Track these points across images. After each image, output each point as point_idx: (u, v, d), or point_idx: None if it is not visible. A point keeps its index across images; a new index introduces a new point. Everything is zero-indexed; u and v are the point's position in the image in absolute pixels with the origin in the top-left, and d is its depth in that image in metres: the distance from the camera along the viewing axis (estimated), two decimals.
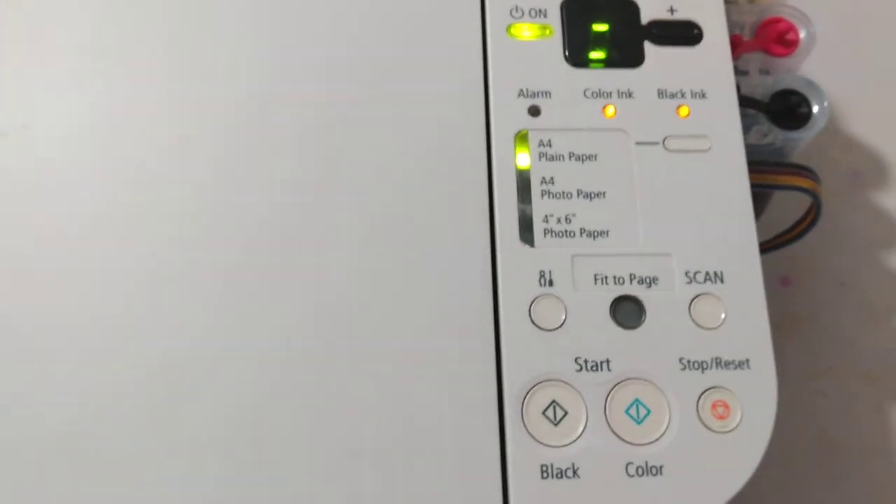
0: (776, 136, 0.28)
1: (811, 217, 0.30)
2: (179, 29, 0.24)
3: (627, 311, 0.22)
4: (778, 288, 0.38)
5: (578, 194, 0.23)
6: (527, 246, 0.22)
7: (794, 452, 0.36)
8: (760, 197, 0.33)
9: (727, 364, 0.21)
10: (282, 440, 0.21)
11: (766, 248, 0.33)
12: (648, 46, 0.24)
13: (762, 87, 0.29)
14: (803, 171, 0.29)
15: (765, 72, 0.30)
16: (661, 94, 0.24)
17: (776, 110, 0.29)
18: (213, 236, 0.22)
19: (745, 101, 0.28)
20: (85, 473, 0.20)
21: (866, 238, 0.39)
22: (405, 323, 0.22)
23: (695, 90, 0.24)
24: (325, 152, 0.23)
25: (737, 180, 0.23)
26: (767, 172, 0.29)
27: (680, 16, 0.25)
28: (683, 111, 0.24)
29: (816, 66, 0.42)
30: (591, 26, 0.24)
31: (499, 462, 0.21)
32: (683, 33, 0.24)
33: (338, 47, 0.24)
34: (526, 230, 0.22)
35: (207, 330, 0.21)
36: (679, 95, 0.24)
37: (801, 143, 0.29)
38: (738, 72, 0.29)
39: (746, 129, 0.29)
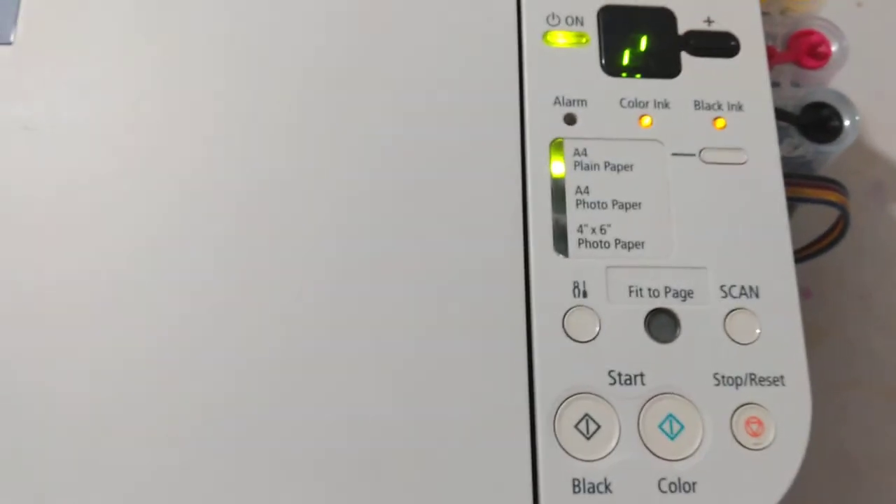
0: (807, 148, 0.28)
1: (839, 230, 0.30)
2: (172, 21, 0.24)
3: (662, 324, 0.22)
4: (799, 300, 0.38)
5: (613, 204, 0.23)
6: (561, 256, 0.22)
7: (811, 466, 0.36)
8: (791, 212, 0.33)
9: (762, 380, 0.21)
10: (307, 449, 0.20)
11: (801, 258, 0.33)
12: (685, 57, 0.24)
13: (793, 100, 0.29)
14: (832, 184, 0.29)
15: (796, 84, 0.29)
16: (698, 105, 0.23)
17: (807, 123, 0.29)
18: (238, 235, 0.22)
19: (777, 114, 0.28)
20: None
21: (888, 251, 0.39)
22: (437, 332, 0.21)
23: (731, 102, 0.24)
24: (360, 160, 0.23)
25: (773, 194, 0.23)
26: (797, 185, 0.29)
27: (717, 27, 0.24)
28: (720, 123, 0.23)
29: (839, 77, 0.42)
30: (627, 35, 0.24)
31: (530, 475, 0.20)
32: (720, 44, 0.24)
33: (372, 55, 0.23)
34: (560, 240, 0.22)
35: (234, 333, 0.21)
36: (716, 107, 0.24)
37: (831, 157, 0.29)
38: (771, 84, 0.29)
39: (778, 141, 0.29)
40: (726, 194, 0.23)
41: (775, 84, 0.29)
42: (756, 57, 0.24)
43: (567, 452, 0.20)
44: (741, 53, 0.24)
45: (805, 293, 0.38)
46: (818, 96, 0.29)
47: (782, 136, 0.29)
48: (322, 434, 0.20)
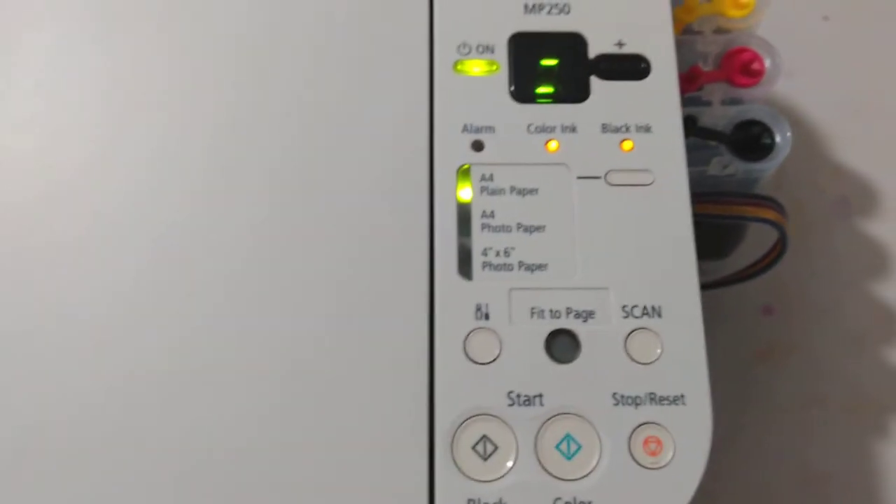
0: (737, 167, 0.28)
1: (777, 250, 0.30)
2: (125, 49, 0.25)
3: (562, 344, 0.22)
4: (760, 317, 0.38)
5: (518, 228, 0.23)
6: (464, 279, 0.22)
7: (776, 484, 0.36)
8: (737, 228, 0.33)
9: (661, 399, 0.21)
10: (210, 474, 0.21)
11: (731, 280, 0.33)
12: (595, 81, 0.24)
13: (724, 118, 0.29)
14: (767, 202, 0.29)
15: (729, 102, 0.29)
16: (605, 128, 0.24)
17: (738, 141, 0.29)
18: (158, 273, 0.23)
19: (704, 132, 0.28)
20: None
21: (853, 266, 0.39)
22: (341, 354, 0.22)
23: (639, 124, 0.24)
24: (267, 186, 0.23)
25: (679, 214, 0.23)
26: (733, 203, 0.29)
27: (629, 49, 0.25)
28: (627, 145, 0.24)
29: (802, 93, 0.42)
30: (536, 62, 0.24)
31: (427, 497, 0.21)
32: (630, 67, 0.24)
33: (282, 79, 0.24)
34: (464, 263, 0.23)
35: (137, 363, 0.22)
36: (623, 129, 0.24)
37: (763, 175, 0.29)
38: (702, 102, 0.29)
39: (706, 160, 0.29)
40: (631, 215, 0.23)
41: (707, 103, 0.29)
42: (667, 78, 0.24)
43: (463, 473, 0.21)
44: (651, 75, 0.24)
45: (767, 310, 0.38)
46: (749, 114, 0.29)
47: (712, 154, 0.29)
48: (213, 450, 0.21)
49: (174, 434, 0.21)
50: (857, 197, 0.40)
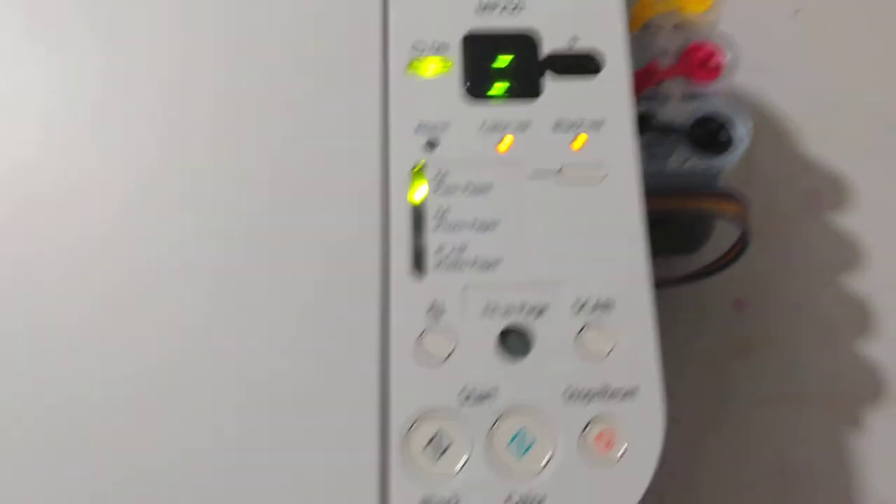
0: (695, 162, 0.28)
1: (739, 245, 0.30)
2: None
3: (515, 341, 0.22)
4: (731, 312, 0.38)
5: (472, 225, 0.23)
6: (418, 278, 0.22)
7: (750, 480, 0.36)
8: (703, 224, 0.33)
9: (614, 394, 0.21)
10: (161, 466, 0.21)
11: (696, 276, 0.33)
12: (548, 78, 0.25)
13: (685, 113, 0.29)
14: (728, 196, 0.29)
15: (689, 98, 0.30)
16: (558, 125, 0.24)
17: (697, 136, 0.29)
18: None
19: (661, 128, 0.28)
20: None
21: (825, 259, 0.39)
22: (291, 354, 0.22)
23: (592, 120, 0.24)
24: (214, 182, 0.23)
25: (630, 209, 0.23)
26: (692, 198, 0.29)
27: (582, 45, 0.25)
28: (579, 141, 0.24)
29: (773, 87, 0.42)
30: (490, 60, 0.25)
31: (378, 495, 0.21)
32: (583, 64, 0.25)
33: (232, 81, 0.24)
34: (418, 262, 0.23)
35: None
36: (575, 126, 0.24)
37: (724, 169, 0.29)
38: (661, 98, 0.29)
39: (665, 155, 0.29)
40: (583, 210, 0.23)
41: (665, 98, 0.29)
42: (619, 74, 0.24)
43: (417, 472, 0.21)
44: (604, 71, 0.25)
45: (738, 305, 0.38)
46: (708, 109, 0.29)
47: (672, 150, 0.29)
48: (165, 451, 0.21)
49: (115, 440, 0.21)
50: (828, 190, 0.40)
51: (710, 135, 0.29)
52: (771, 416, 0.36)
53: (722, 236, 0.33)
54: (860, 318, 0.38)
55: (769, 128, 0.42)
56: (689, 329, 0.37)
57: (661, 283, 0.35)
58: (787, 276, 0.39)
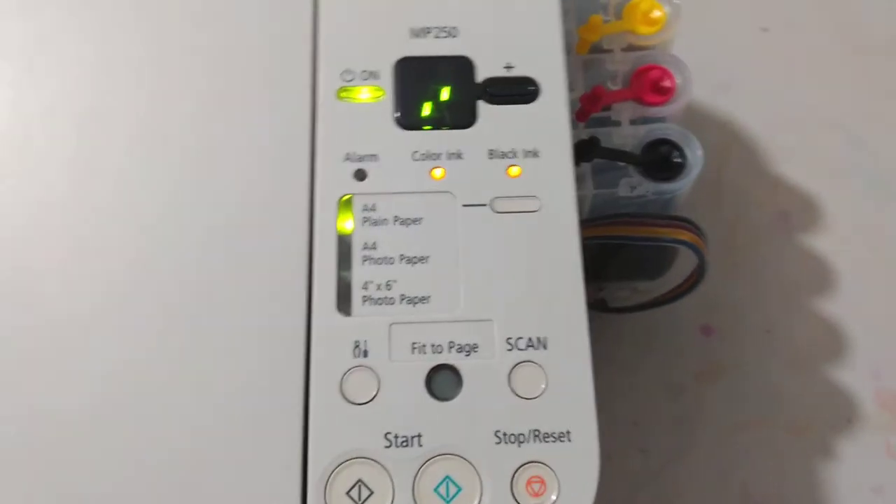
0: (647, 188, 0.28)
1: (695, 274, 0.29)
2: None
3: (443, 381, 0.21)
4: (699, 337, 0.37)
5: (401, 259, 0.22)
6: (343, 315, 0.22)
7: None
8: (664, 249, 0.32)
9: (546, 437, 0.21)
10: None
11: (655, 304, 0.32)
12: (483, 105, 0.24)
13: (633, 138, 0.28)
14: (682, 223, 0.28)
15: (640, 122, 0.29)
16: (492, 154, 0.23)
17: (648, 161, 0.28)
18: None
19: (609, 153, 0.27)
20: None
21: (794, 282, 0.38)
22: (212, 392, 0.21)
23: (527, 149, 0.23)
24: (140, 206, 0.23)
25: (566, 242, 0.22)
26: (646, 225, 0.28)
27: (518, 72, 0.24)
28: (514, 171, 0.23)
29: (740, 106, 0.41)
30: (423, 87, 0.24)
31: None
32: (518, 91, 0.24)
33: (159, 98, 0.23)
34: (343, 298, 0.22)
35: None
36: (510, 155, 0.23)
37: (675, 195, 0.28)
38: (610, 122, 0.29)
39: (614, 182, 0.28)
40: (517, 244, 0.22)
41: (616, 123, 0.29)
42: (556, 101, 0.24)
43: None
44: (540, 98, 0.24)
45: (706, 330, 0.38)
46: (659, 133, 0.28)
47: (620, 175, 0.28)
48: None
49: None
50: (797, 211, 0.39)
51: (661, 160, 0.28)
52: (738, 443, 0.35)
53: (688, 260, 0.32)
54: (831, 342, 0.37)
55: (737, 146, 0.41)
56: (654, 355, 0.36)
57: (620, 311, 0.34)
58: (756, 299, 0.38)
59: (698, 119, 0.40)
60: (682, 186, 0.27)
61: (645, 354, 0.36)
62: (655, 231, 0.28)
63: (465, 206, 0.23)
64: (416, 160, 0.23)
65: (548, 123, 0.23)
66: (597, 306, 0.34)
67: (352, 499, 0.20)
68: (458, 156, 0.23)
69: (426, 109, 0.24)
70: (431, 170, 0.23)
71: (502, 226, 0.22)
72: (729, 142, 0.41)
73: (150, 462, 0.21)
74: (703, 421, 0.36)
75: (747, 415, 0.36)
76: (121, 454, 0.21)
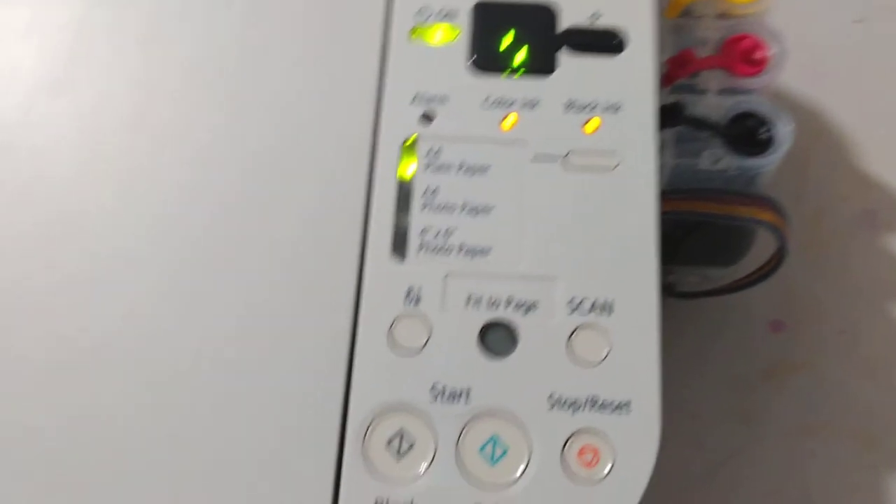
0: (729, 161, 0.26)
1: (775, 259, 0.27)
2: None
3: (498, 337, 0.20)
4: (768, 333, 0.35)
5: (462, 208, 0.21)
6: (397, 260, 0.20)
7: None
8: (741, 233, 0.31)
9: (604, 406, 0.19)
10: (117, 460, 0.19)
11: (725, 290, 0.30)
12: (564, 54, 0.22)
13: (720, 109, 0.26)
14: (764, 201, 0.26)
15: (727, 92, 0.27)
16: (570, 105, 0.22)
17: (734, 134, 0.26)
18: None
19: (694, 121, 0.26)
20: None
21: (875, 283, 0.36)
22: (258, 335, 0.20)
23: (608, 103, 0.22)
24: (193, 153, 0.22)
25: (642, 204, 0.21)
26: (723, 201, 0.26)
27: (605, 22, 0.23)
28: (592, 125, 0.21)
29: (831, 97, 0.39)
30: (500, 31, 0.22)
31: (331, 494, 0.19)
32: (603, 41, 0.22)
33: (224, 42, 0.23)
34: (399, 244, 0.21)
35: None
36: (590, 108, 0.22)
37: (760, 172, 0.26)
38: (696, 91, 0.27)
39: (697, 152, 0.26)
40: (590, 201, 0.21)
41: (702, 91, 0.27)
42: (643, 55, 0.22)
43: (373, 470, 0.19)
44: (627, 51, 0.22)
45: (775, 325, 0.35)
46: (747, 106, 0.26)
47: (702, 147, 0.26)
48: (117, 445, 0.19)
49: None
50: (884, 209, 0.37)
51: (748, 134, 0.26)
52: (799, 447, 0.33)
53: (763, 251, 0.30)
54: None
55: (826, 137, 0.39)
56: (719, 348, 0.35)
57: (687, 296, 0.32)
58: (835, 298, 0.35)
59: (785, 106, 0.38)
60: (769, 163, 0.26)
61: (709, 345, 0.34)
62: (735, 209, 0.26)
63: (536, 157, 0.21)
64: (488, 106, 0.22)
65: (633, 78, 0.22)
66: (664, 290, 0.32)
67: (392, 449, 0.19)
68: (534, 105, 0.22)
69: (502, 54, 0.22)
70: (504, 117, 0.22)
71: (575, 181, 0.21)
72: (817, 132, 0.39)
73: (186, 409, 0.20)
74: (767, 420, 0.34)
75: (814, 419, 0.34)
76: (171, 394, 0.20)
